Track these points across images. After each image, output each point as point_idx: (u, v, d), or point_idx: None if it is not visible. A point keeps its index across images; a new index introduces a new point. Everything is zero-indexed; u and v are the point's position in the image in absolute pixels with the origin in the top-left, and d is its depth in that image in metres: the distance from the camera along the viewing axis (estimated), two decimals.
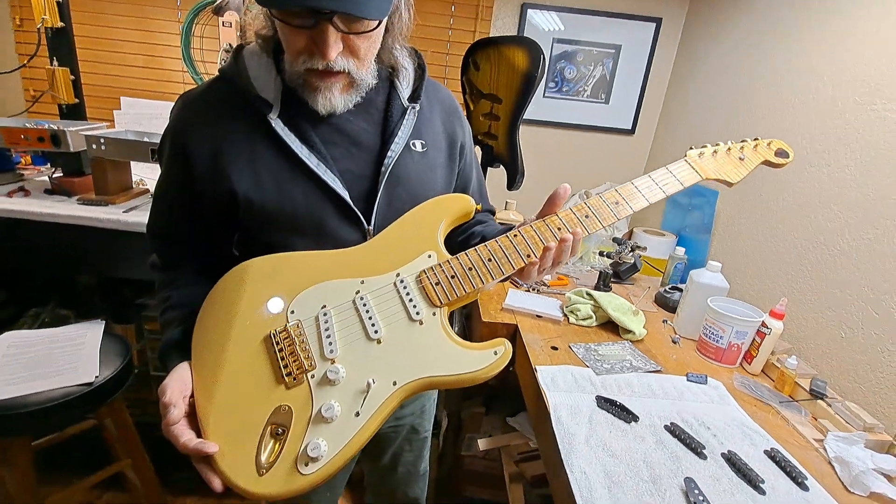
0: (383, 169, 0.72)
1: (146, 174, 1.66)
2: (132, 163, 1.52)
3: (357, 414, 0.61)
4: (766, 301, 1.27)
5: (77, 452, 1.44)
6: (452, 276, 0.68)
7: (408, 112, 0.75)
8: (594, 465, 0.75)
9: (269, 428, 0.59)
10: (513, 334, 1.20)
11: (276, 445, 0.58)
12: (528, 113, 1.58)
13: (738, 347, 1.07)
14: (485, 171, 1.61)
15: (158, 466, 1.49)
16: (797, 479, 0.77)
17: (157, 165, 1.66)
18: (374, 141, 0.74)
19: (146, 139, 1.41)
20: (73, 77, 1.73)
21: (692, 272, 1.20)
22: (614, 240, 1.55)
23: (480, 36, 1.85)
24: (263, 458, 0.57)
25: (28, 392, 1.04)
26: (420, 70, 0.79)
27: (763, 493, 0.74)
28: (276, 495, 0.56)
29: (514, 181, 1.47)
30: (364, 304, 0.67)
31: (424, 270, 0.68)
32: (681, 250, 1.42)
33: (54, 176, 1.45)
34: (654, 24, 1.79)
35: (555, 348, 1.09)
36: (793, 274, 1.21)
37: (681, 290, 1.36)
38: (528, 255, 0.70)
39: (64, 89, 1.72)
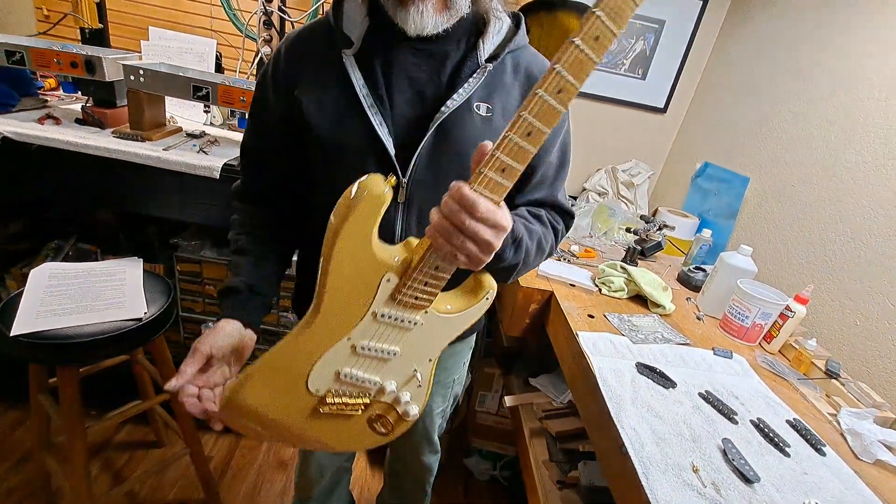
0: (432, 123, 0.70)
1: (176, 111, 1.62)
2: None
3: (419, 385, 0.74)
4: (786, 285, 1.34)
5: (102, 386, 1.47)
6: (426, 284, 0.63)
7: (478, 71, 0.72)
8: (642, 423, 0.82)
9: (373, 425, 0.75)
10: (548, 300, 1.25)
11: (384, 425, 0.76)
12: None
13: (760, 327, 1.15)
14: None
15: None
16: (816, 446, 0.86)
17: (186, 103, 1.61)
18: (437, 93, 0.72)
19: (181, 73, 1.37)
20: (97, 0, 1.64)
21: (723, 254, 1.26)
22: (641, 217, 1.59)
23: None
24: (382, 431, 0.76)
25: (80, 323, 1.06)
26: (513, 32, 0.76)
27: (788, 455, 0.83)
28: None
29: None
30: (366, 349, 0.68)
31: (395, 296, 0.63)
32: (708, 232, 1.48)
33: (87, 106, 1.40)
34: (701, 2, 1.77)
35: (591, 316, 1.15)
36: (816, 262, 1.28)
37: (704, 271, 1.43)
38: None
39: (88, 12, 1.64)
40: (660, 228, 1.52)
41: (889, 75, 1.18)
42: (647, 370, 0.96)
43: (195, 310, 1.52)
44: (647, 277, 1.26)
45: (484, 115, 0.73)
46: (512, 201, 0.82)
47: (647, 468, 0.73)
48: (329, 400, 0.71)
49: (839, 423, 0.94)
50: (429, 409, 1.05)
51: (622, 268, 1.29)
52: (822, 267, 1.26)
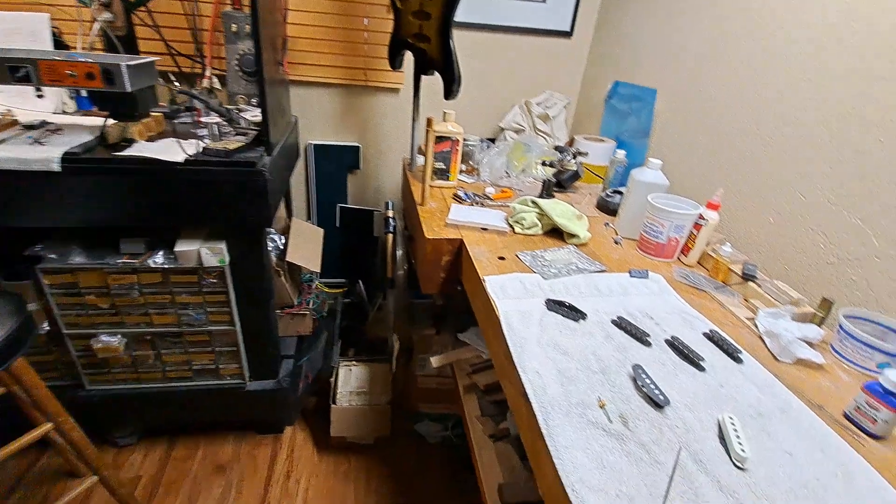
0: None
1: (14, 103, 1.38)
2: None
3: None
4: (702, 195, 1.29)
5: None
6: None
7: None
8: (546, 364, 0.75)
9: None
10: (458, 249, 1.15)
11: None
12: (459, 15, 1.43)
13: (676, 241, 1.10)
14: (418, 80, 1.48)
15: (93, 427, 1.40)
16: (733, 355, 0.82)
17: (23, 89, 1.37)
18: None
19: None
20: None
21: (633, 171, 1.19)
22: (556, 148, 1.50)
23: None
24: None
25: None
26: None
27: (703, 369, 0.78)
28: None
29: (450, 89, 1.35)
30: None
31: None
32: (621, 153, 1.41)
33: None
34: None
35: (502, 258, 1.06)
36: (728, 166, 1.23)
37: (622, 193, 1.36)
38: None
39: None
40: (574, 156, 1.43)
41: None
42: (556, 306, 0.89)
43: (81, 324, 1.34)
44: (559, 208, 1.18)
45: None
46: None
47: (548, 413, 0.66)
48: None
49: (757, 327, 0.90)
50: None
51: (533, 202, 1.20)
52: (731, 169, 1.21)
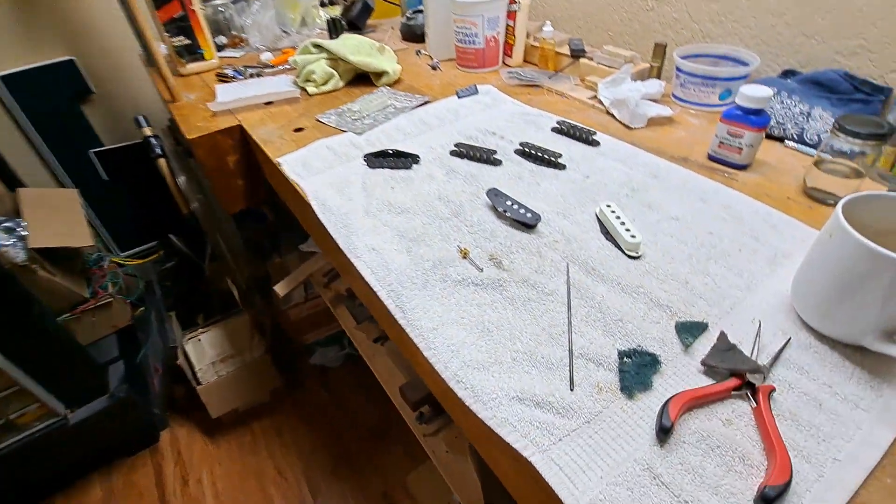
0: None
1: None
2: None
3: None
4: None
5: None
6: None
7: None
8: (382, 233, 0.55)
9: None
10: (242, 140, 0.85)
11: None
12: None
13: (495, 41, 0.91)
14: None
15: None
16: (588, 140, 0.70)
17: None
18: None
19: None
20: None
21: None
22: None
23: None
24: None
25: None
26: None
27: (563, 167, 0.64)
28: None
29: None
30: None
31: None
32: None
33: None
34: None
35: (299, 130, 0.79)
36: None
37: (423, 12, 1.11)
38: None
39: None
40: None
41: None
42: (379, 159, 0.67)
43: None
44: (351, 43, 0.90)
45: None
46: None
47: (399, 293, 0.47)
48: None
49: (602, 102, 0.78)
50: None
51: (316, 46, 0.91)
52: None
